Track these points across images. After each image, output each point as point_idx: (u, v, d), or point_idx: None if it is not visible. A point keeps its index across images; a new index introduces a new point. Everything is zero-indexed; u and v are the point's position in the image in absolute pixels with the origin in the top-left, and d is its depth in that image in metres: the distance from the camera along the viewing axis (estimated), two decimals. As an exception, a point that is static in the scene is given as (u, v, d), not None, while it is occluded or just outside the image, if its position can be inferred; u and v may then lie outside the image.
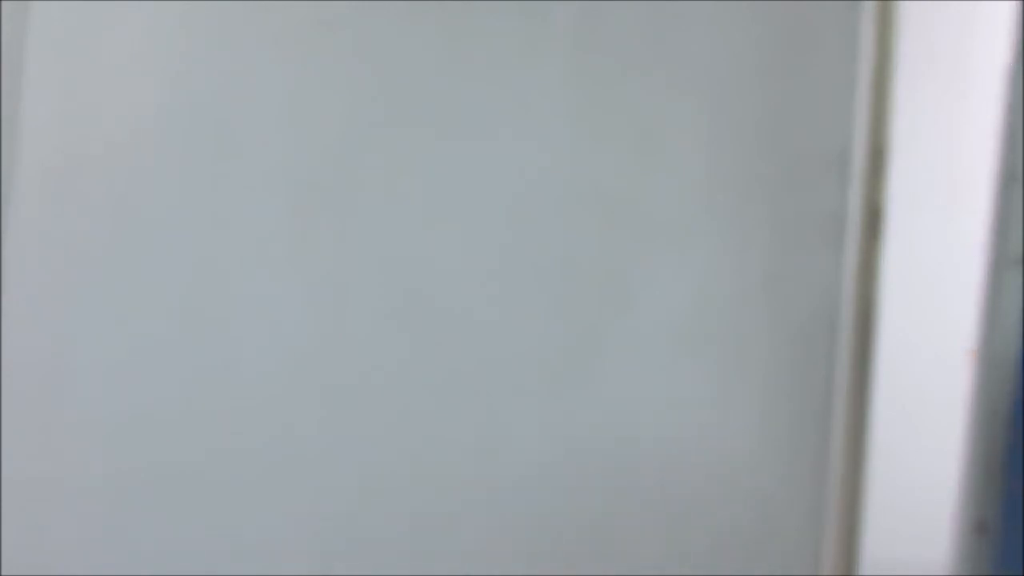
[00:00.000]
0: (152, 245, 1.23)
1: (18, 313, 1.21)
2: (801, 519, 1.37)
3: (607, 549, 1.33)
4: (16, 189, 1.20)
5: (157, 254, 1.23)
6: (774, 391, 1.36)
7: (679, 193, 1.34)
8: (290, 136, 1.26)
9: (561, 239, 1.31)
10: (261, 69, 1.25)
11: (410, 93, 1.28)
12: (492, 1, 1.29)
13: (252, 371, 1.25)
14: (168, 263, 1.24)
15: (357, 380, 1.27)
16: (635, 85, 1.33)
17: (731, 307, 1.35)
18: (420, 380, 1.28)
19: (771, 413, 1.36)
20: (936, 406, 1.40)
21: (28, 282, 1.21)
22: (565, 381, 1.31)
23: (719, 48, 1.34)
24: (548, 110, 1.31)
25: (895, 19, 1.40)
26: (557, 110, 1.31)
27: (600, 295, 1.32)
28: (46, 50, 1.21)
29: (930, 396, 1.40)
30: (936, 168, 1.41)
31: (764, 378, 1.36)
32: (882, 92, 1.39)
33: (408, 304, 1.28)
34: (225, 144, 1.25)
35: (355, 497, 1.27)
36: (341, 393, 1.27)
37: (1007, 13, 1.39)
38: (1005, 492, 1.34)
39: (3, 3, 1.20)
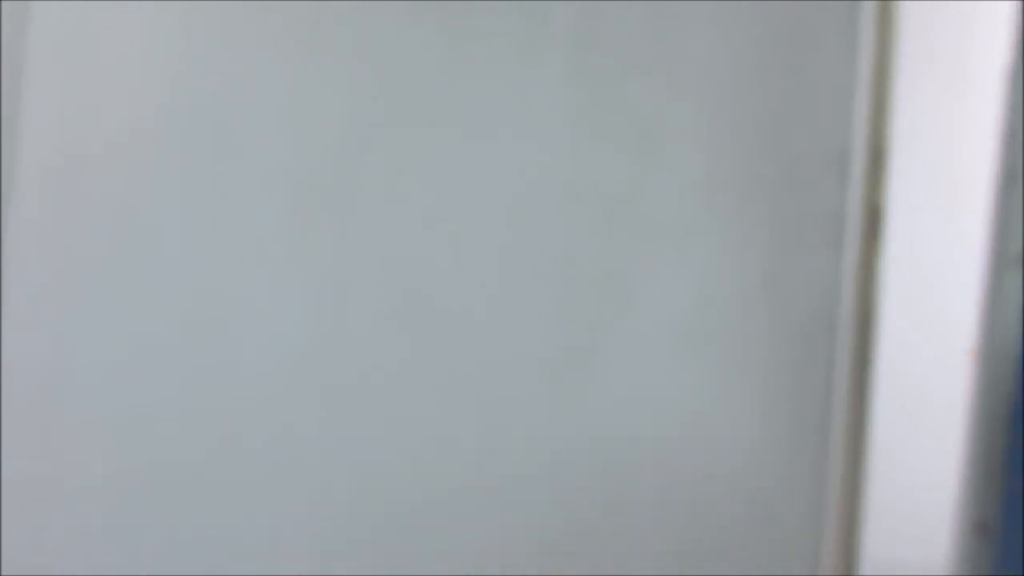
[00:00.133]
0: (152, 245, 1.23)
1: (18, 313, 1.21)
2: (801, 519, 1.37)
3: (607, 549, 1.33)
4: (16, 189, 1.20)
5: (157, 254, 1.23)
6: (774, 391, 1.36)
7: (679, 193, 1.34)
8: (290, 136, 1.26)
9: (561, 239, 1.31)
10: (261, 69, 1.25)
11: (410, 93, 1.28)
12: (492, 1, 1.29)
13: (252, 371, 1.25)
14: (168, 263, 1.24)
15: (357, 380, 1.27)
16: (635, 85, 1.33)
17: (731, 307, 1.35)
18: (420, 380, 1.28)
19: (771, 413, 1.36)
20: (936, 406, 1.40)
21: (28, 282, 1.21)
22: (565, 381, 1.32)
23: (719, 48, 1.34)
24: (548, 110, 1.31)
25: (895, 19, 1.40)
26: (557, 110, 1.31)
27: (600, 295, 1.32)
28: (46, 50, 1.21)
29: (930, 396, 1.40)
30: (936, 168, 1.42)
31: (764, 378, 1.36)
32: (882, 92, 1.39)
33: (408, 304, 1.28)
34: (225, 144, 1.25)
35: (355, 497, 1.27)
36: (341, 393, 1.27)
37: (1007, 13, 1.39)
38: (1005, 492, 1.34)
39: (3, 3, 1.20)
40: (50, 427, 1.22)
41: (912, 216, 1.40)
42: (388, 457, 1.28)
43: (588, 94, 1.32)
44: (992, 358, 1.35)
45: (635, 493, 1.33)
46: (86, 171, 1.22)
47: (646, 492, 1.33)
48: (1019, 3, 1.38)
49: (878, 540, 1.39)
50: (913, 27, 1.40)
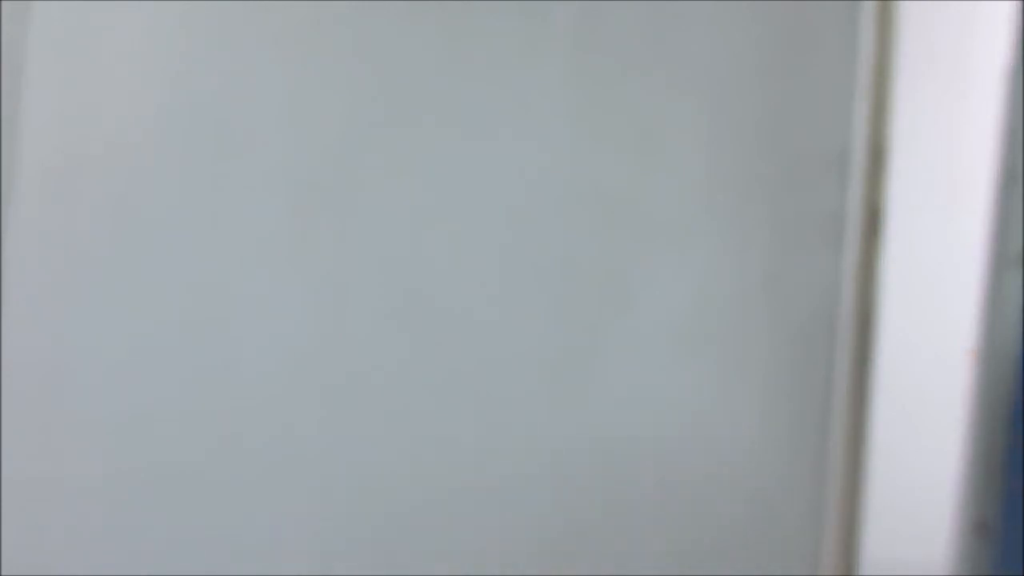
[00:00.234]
0: (152, 245, 1.23)
1: (18, 313, 1.21)
2: (801, 519, 1.37)
3: (606, 549, 1.33)
4: (16, 189, 1.20)
5: (157, 254, 1.23)
6: (774, 391, 1.36)
7: (679, 193, 1.34)
8: (290, 136, 1.26)
9: (561, 239, 1.31)
10: (261, 69, 1.25)
11: (410, 93, 1.28)
12: (492, 1, 1.29)
13: (252, 371, 1.25)
14: (168, 263, 1.24)
15: (357, 380, 1.27)
16: (635, 85, 1.33)
17: (731, 307, 1.35)
18: (420, 380, 1.28)
19: (771, 413, 1.36)
20: (936, 406, 1.40)
21: (28, 282, 1.21)
22: (565, 381, 1.32)
23: (719, 48, 1.34)
24: (548, 110, 1.31)
25: (895, 19, 1.40)
26: (557, 110, 1.31)
27: (600, 295, 1.32)
28: (46, 50, 1.21)
29: (930, 396, 1.40)
30: (936, 168, 1.41)
31: (764, 378, 1.36)
32: (882, 92, 1.39)
33: (408, 304, 1.28)
34: (225, 144, 1.25)
35: (355, 497, 1.27)
36: (341, 393, 1.27)
37: (1007, 13, 1.39)
38: (1005, 492, 1.35)
39: (3, 3, 1.20)
40: (50, 427, 1.22)
41: (912, 216, 1.40)
42: (388, 457, 1.28)
43: (588, 94, 1.32)
44: (992, 358, 1.36)
45: (635, 493, 1.33)
46: (86, 171, 1.22)
47: (646, 492, 1.33)
48: (1019, 3, 1.38)
49: (878, 540, 1.39)
50: (913, 27, 1.40)
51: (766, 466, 1.36)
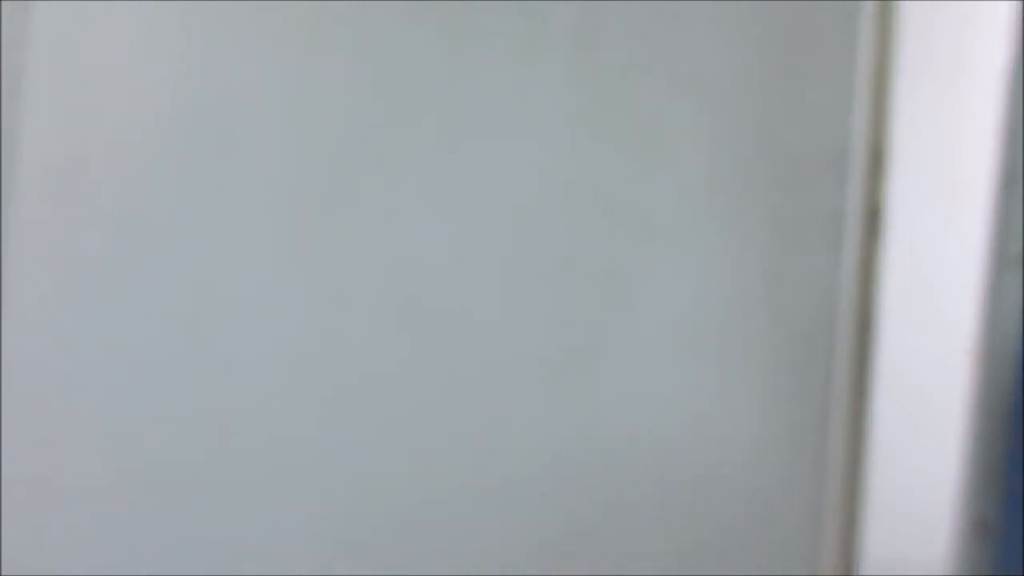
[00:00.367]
0: (152, 245, 1.23)
1: (18, 313, 1.21)
2: (801, 519, 1.37)
3: (606, 549, 1.33)
4: (16, 189, 1.20)
5: (157, 254, 1.23)
6: (774, 391, 1.36)
7: (679, 193, 1.34)
8: (290, 136, 1.26)
9: (561, 239, 1.31)
10: (261, 69, 1.25)
11: (410, 93, 1.28)
12: (492, 1, 1.29)
13: (252, 371, 1.25)
14: (168, 263, 1.24)
15: (357, 380, 1.27)
16: (635, 85, 1.33)
17: (731, 307, 1.35)
18: (420, 380, 1.28)
19: (771, 413, 1.36)
20: (936, 406, 1.40)
21: (28, 282, 1.21)
22: (565, 381, 1.32)
23: (719, 48, 1.34)
24: (548, 110, 1.31)
25: (895, 19, 1.40)
26: (557, 110, 1.31)
27: (600, 295, 1.32)
28: (46, 50, 1.21)
29: (930, 396, 1.40)
30: (936, 168, 1.41)
31: (764, 378, 1.36)
32: (882, 92, 1.39)
33: (408, 304, 1.28)
34: (225, 144, 1.25)
35: (355, 497, 1.27)
36: (341, 393, 1.27)
37: (1007, 13, 1.39)
38: (1005, 492, 1.35)
39: (3, 3, 1.20)
40: (50, 427, 1.22)
41: (912, 216, 1.40)
42: (388, 457, 1.28)
43: (588, 94, 1.32)
44: (992, 358, 1.36)
45: (635, 493, 1.33)
46: (86, 171, 1.22)
47: (646, 492, 1.33)
48: (1019, 3, 1.38)
49: (878, 540, 1.39)
50: (913, 27, 1.40)
51: (766, 466, 1.36)
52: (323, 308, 1.27)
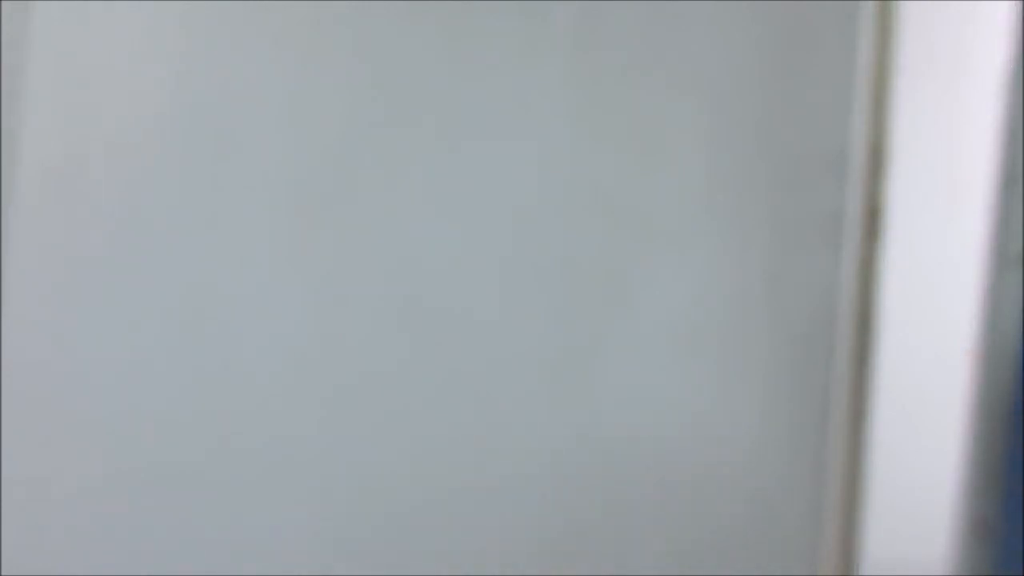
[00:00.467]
0: (152, 245, 1.23)
1: (18, 313, 1.21)
2: (801, 519, 1.37)
3: (606, 549, 1.33)
4: (16, 189, 1.20)
5: (157, 254, 1.23)
6: (774, 391, 1.36)
7: (679, 193, 1.34)
8: (290, 136, 1.26)
9: (561, 239, 1.31)
10: (261, 69, 1.25)
11: (410, 93, 1.28)
12: (492, 1, 1.29)
13: (252, 371, 1.25)
14: (168, 263, 1.24)
15: (357, 380, 1.27)
16: (635, 85, 1.33)
17: (731, 307, 1.35)
18: (420, 380, 1.28)
19: (771, 413, 1.36)
20: (936, 406, 1.40)
21: (28, 282, 1.21)
22: (565, 381, 1.32)
23: (719, 48, 1.34)
24: (548, 110, 1.31)
25: (895, 19, 1.40)
26: (557, 110, 1.31)
27: (600, 295, 1.32)
28: (47, 50, 1.21)
29: (930, 396, 1.40)
30: (936, 168, 1.41)
31: (764, 378, 1.36)
32: (882, 92, 1.39)
33: (408, 304, 1.28)
34: (225, 144, 1.25)
35: (355, 497, 1.27)
36: (341, 392, 1.27)
37: (1007, 13, 1.39)
38: (1005, 492, 1.34)
39: (3, 3, 1.20)
40: (50, 427, 1.22)
41: (912, 216, 1.40)
42: (388, 457, 1.28)
43: (588, 94, 1.32)
44: (992, 358, 1.35)
45: (635, 493, 1.33)
46: (86, 171, 1.22)
47: (646, 492, 1.33)
48: (1019, 3, 1.38)
49: (878, 540, 1.39)
50: (913, 27, 1.40)
51: (766, 466, 1.36)
52: (323, 308, 1.27)
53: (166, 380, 1.23)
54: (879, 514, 1.39)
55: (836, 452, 1.38)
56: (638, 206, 1.33)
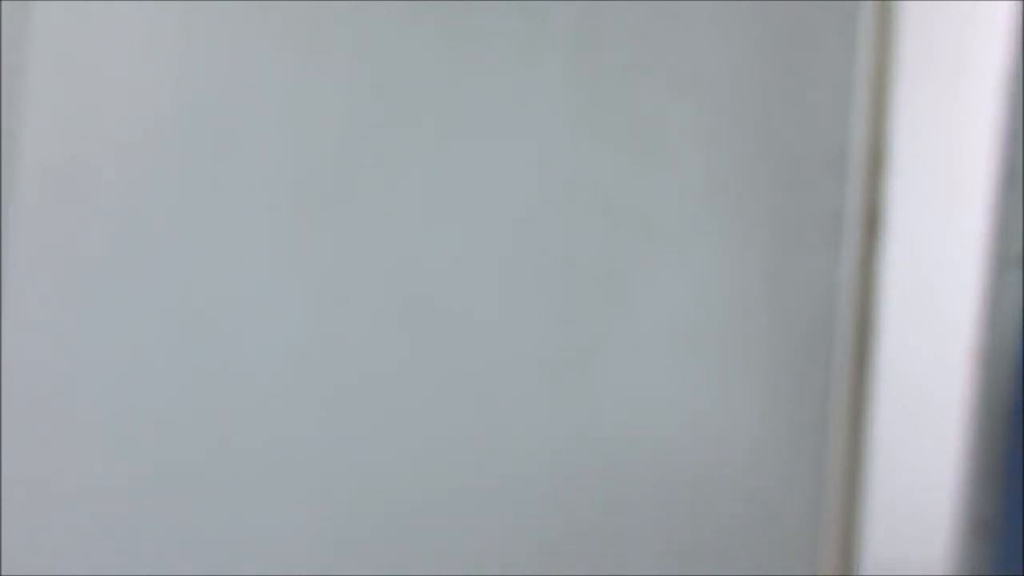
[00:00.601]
0: (152, 245, 1.23)
1: (18, 313, 1.21)
2: (800, 519, 1.37)
3: (606, 549, 1.33)
4: (16, 189, 1.20)
5: (157, 254, 1.23)
6: (774, 391, 1.36)
7: (679, 193, 1.34)
8: (290, 136, 1.26)
9: (561, 239, 1.31)
10: (261, 69, 1.25)
11: (410, 93, 1.28)
12: (492, 1, 1.29)
13: (253, 371, 1.25)
14: (168, 263, 1.24)
15: (357, 380, 1.27)
16: (635, 85, 1.33)
17: (731, 307, 1.35)
18: (420, 380, 1.28)
19: (771, 413, 1.36)
20: (936, 406, 1.40)
21: (28, 282, 1.21)
22: (565, 381, 1.32)
23: (719, 48, 1.34)
24: (548, 110, 1.31)
25: (895, 19, 1.40)
26: (557, 110, 1.31)
27: (600, 295, 1.32)
28: (47, 50, 1.21)
29: (930, 396, 1.40)
30: (936, 168, 1.41)
31: (764, 378, 1.36)
32: (882, 92, 1.39)
33: (408, 304, 1.28)
34: (225, 144, 1.25)
35: (355, 497, 1.27)
36: (341, 392, 1.27)
37: (1007, 13, 1.39)
38: (1005, 492, 1.35)
39: (3, 3, 1.20)
40: (50, 427, 1.22)
41: (912, 216, 1.40)
42: (388, 457, 1.28)
43: (588, 94, 1.32)
44: (992, 358, 1.36)
45: (635, 493, 1.33)
46: (86, 171, 1.22)
47: (646, 492, 1.33)
48: (1019, 3, 1.38)
49: (878, 540, 1.39)
50: (913, 27, 1.40)
51: (766, 466, 1.36)
52: (323, 308, 1.27)
53: (166, 380, 1.23)
54: (879, 514, 1.39)
55: (836, 452, 1.38)
56: (638, 206, 1.33)
